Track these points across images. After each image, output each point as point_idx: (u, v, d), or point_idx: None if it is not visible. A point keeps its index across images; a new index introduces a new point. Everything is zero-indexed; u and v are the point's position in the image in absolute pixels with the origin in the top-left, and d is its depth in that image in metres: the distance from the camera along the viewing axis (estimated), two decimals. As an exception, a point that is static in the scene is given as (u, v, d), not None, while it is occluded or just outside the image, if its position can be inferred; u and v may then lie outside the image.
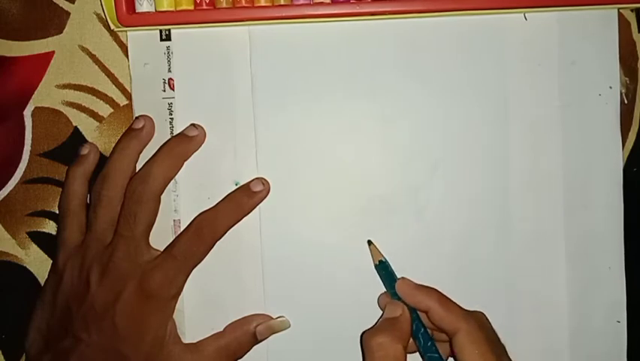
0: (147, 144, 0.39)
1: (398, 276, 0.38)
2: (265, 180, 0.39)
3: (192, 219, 0.38)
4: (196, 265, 0.37)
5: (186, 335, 0.39)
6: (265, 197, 0.39)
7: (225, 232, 0.38)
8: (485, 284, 0.40)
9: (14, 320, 0.41)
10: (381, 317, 0.37)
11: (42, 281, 0.41)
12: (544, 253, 0.40)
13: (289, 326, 0.39)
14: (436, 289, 0.36)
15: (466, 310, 0.36)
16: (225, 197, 0.39)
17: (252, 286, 0.40)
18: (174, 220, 0.40)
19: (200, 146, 0.39)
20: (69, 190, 0.39)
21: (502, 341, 0.36)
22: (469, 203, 0.40)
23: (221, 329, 0.39)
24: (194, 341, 0.39)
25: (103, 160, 0.40)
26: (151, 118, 0.39)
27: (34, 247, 0.41)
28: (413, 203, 0.40)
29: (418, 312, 0.36)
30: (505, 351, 0.36)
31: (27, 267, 0.41)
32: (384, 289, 0.39)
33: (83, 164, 0.39)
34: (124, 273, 0.36)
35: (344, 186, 0.40)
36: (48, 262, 0.40)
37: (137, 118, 0.39)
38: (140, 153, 0.39)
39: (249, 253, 0.40)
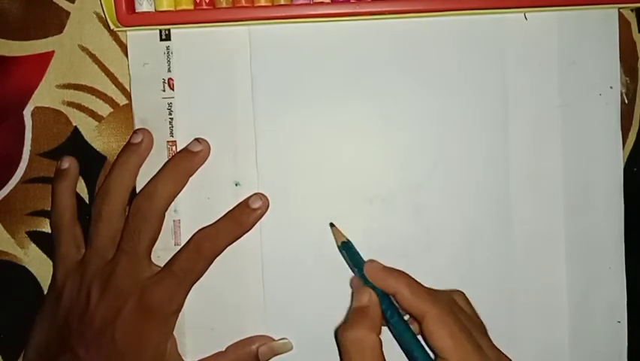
0: (146, 157, 0.39)
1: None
2: (263, 195, 0.39)
3: (192, 235, 0.38)
4: (196, 281, 0.37)
5: (186, 336, 0.39)
6: (264, 213, 0.39)
7: (225, 248, 0.38)
8: (485, 284, 0.40)
9: (13, 320, 0.41)
10: (351, 305, 0.36)
11: (41, 281, 0.41)
12: (545, 253, 0.40)
13: (291, 349, 0.39)
14: (405, 273, 0.35)
15: (437, 293, 0.35)
16: (225, 214, 0.39)
17: (252, 287, 0.40)
18: (174, 220, 0.39)
19: (205, 160, 0.39)
20: (59, 206, 0.39)
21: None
22: (469, 203, 0.40)
23: (221, 330, 0.39)
24: (195, 355, 0.39)
25: (102, 160, 0.40)
26: (149, 131, 0.39)
27: (33, 247, 0.41)
28: (413, 203, 0.40)
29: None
30: (483, 330, 0.35)
31: (26, 266, 0.41)
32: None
33: (67, 178, 0.39)
34: (125, 289, 0.36)
35: (344, 186, 0.40)
36: (47, 262, 0.40)
37: (135, 132, 0.39)
38: (140, 167, 0.39)
39: (249, 254, 0.39)
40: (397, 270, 0.36)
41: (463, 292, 0.37)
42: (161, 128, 0.40)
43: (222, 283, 0.39)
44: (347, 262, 0.39)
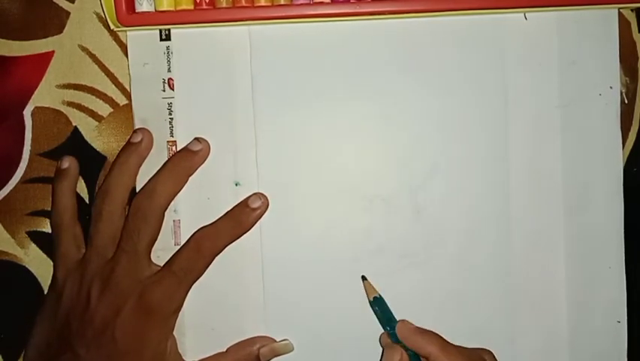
0: (146, 157, 0.39)
1: (395, 314, 0.38)
2: (263, 194, 0.39)
3: (192, 234, 0.38)
4: (195, 281, 0.37)
5: (186, 336, 0.39)
6: (264, 213, 0.39)
7: (225, 248, 0.38)
8: (485, 284, 0.40)
9: (13, 320, 0.41)
10: (381, 359, 0.37)
11: (41, 281, 0.41)
12: (544, 253, 0.40)
13: (292, 350, 0.39)
14: (436, 334, 0.36)
15: (470, 352, 0.36)
16: (225, 214, 0.38)
17: (252, 287, 0.40)
18: (174, 220, 0.39)
19: (205, 160, 0.39)
20: (59, 206, 0.39)
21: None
22: (468, 203, 0.40)
23: (221, 330, 0.39)
24: (196, 358, 0.39)
25: (102, 160, 0.40)
26: (149, 131, 0.39)
27: (33, 247, 0.41)
28: (413, 203, 0.40)
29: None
30: None
31: (26, 266, 0.41)
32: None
33: (67, 177, 0.39)
34: (125, 288, 0.36)
35: (344, 186, 0.40)
36: (47, 262, 0.40)
37: (135, 131, 0.39)
38: (140, 166, 0.39)
39: (249, 254, 0.39)
40: (429, 331, 0.37)
41: (491, 352, 0.37)
42: (161, 128, 0.40)
43: (222, 283, 0.39)
44: (377, 318, 0.39)
